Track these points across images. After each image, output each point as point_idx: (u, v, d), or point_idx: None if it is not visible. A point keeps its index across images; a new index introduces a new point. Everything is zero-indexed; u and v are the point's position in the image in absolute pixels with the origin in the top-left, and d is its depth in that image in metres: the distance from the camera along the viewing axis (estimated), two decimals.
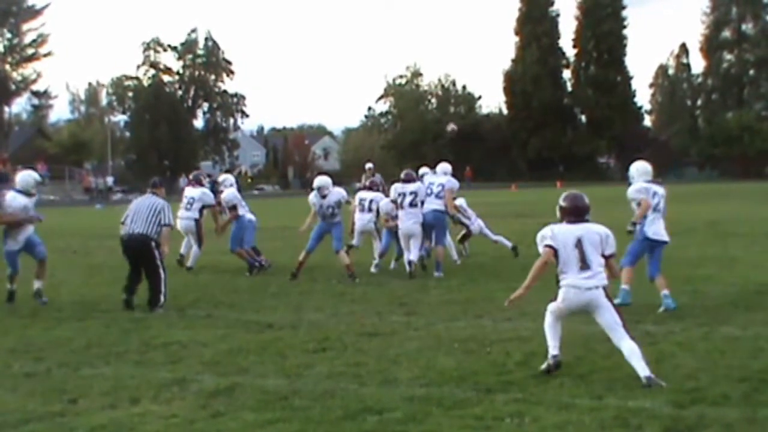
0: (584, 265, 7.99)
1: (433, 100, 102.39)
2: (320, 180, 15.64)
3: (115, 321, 11.51)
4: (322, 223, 15.52)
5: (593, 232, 8.14)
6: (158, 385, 8.02)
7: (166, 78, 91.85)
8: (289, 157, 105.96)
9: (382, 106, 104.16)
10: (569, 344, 9.16)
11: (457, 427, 6.58)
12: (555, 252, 8.07)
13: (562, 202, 8.39)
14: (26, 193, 13.06)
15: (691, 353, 8.81)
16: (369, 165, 26.78)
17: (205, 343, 9.96)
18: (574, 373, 8.07)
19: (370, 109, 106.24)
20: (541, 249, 8.17)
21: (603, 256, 8.09)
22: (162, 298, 12.52)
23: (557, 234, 8.14)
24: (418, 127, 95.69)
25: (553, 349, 8.14)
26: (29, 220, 13.01)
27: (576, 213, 8.27)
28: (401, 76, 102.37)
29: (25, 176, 13.31)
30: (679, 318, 10.69)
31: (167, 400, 7.56)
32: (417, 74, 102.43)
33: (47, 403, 7.47)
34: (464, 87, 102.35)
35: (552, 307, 8.31)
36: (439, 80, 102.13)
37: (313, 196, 15.46)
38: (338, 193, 15.48)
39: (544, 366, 8.14)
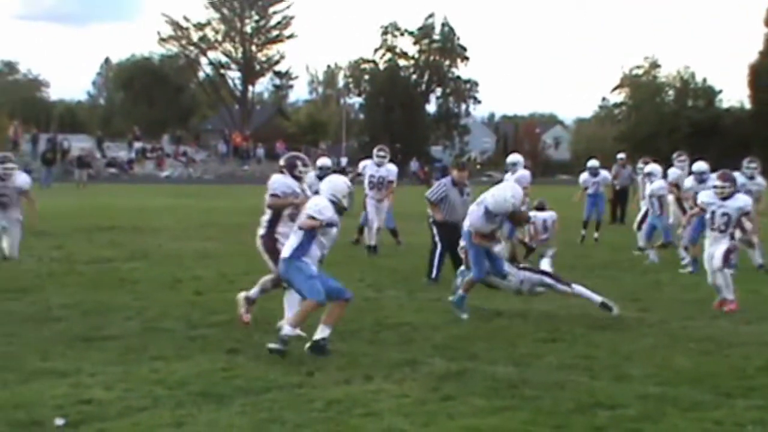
0: None
1: (671, 92, 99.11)
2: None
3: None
4: None
5: None
6: (390, 365, 8.16)
7: (401, 62, 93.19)
8: (519, 145, 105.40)
9: (617, 97, 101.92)
10: None
11: (695, 430, 6.37)
12: None
13: None
14: (337, 204, 8.98)
15: None
16: (621, 155, 26.12)
17: (435, 327, 10.08)
18: None
19: (604, 99, 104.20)
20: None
21: None
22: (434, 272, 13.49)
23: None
24: (653, 119, 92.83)
25: None
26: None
27: None
28: (638, 67, 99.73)
29: (337, 182, 9.27)
30: None
31: (399, 380, 7.68)
32: (654, 65, 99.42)
33: (287, 374, 7.74)
34: (704, 80, 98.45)
35: None
36: (678, 72, 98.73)
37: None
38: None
39: None
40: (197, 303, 11.41)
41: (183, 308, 10.94)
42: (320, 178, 16.70)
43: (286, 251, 8.89)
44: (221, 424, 6.35)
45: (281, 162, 10.31)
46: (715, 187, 11.86)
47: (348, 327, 9.84)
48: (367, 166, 18.08)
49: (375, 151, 18.19)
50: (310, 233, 8.77)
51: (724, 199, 11.59)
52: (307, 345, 8.55)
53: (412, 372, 7.96)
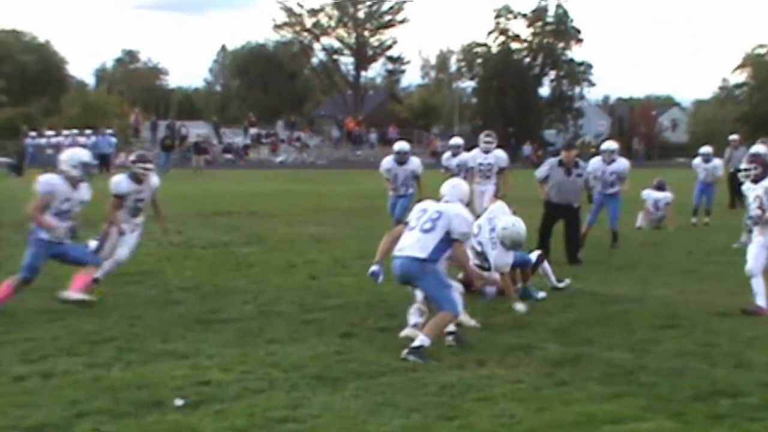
0: None
1: None
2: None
3: None
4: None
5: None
6: (504, 350, 8.12)
7: (514, 45, 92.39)
8: (634, 127, 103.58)
9: (738, 78, 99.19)
10: None
11: None
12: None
13: None
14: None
15: None
16: (733, 137, 25.46)
17: (549, 311, 9.99)
18: None
19: (724, 80, 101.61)
20: None
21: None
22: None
23: None
24: None
25: None
26: None
27: None
28: (761, 46, 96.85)
29: (464, 187, 9.23)
30: None
31: (513, 365, 7.64)
32: None
33: (399, 357, 7.76)
34: None
35: None
36: None
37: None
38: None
39: None
40: (311, 287, 11.53)
41: (297, 292, 11.08)
42: (399, 162, 16.42)
43: (420, 252, 8.21)
44: (336, 407, 6.40)
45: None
46: (744, 170, 10.86)
47: None
48: (475, 156, 17.02)
49: (481, 136, 17.31)
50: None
51: (755, 182, 10.56)
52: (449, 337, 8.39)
53: (526, 357, 7.91)
